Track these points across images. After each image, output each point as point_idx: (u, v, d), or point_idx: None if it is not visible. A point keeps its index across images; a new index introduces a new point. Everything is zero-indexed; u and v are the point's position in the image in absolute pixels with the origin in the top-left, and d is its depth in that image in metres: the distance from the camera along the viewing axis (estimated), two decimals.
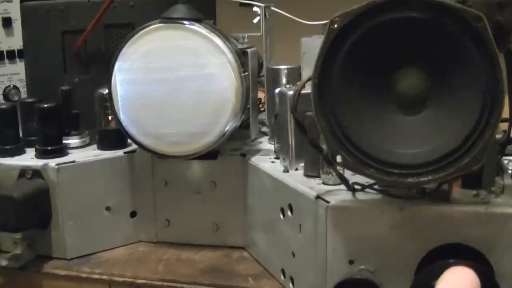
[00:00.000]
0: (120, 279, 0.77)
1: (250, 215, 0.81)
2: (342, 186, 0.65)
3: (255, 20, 0.89)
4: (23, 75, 1.09)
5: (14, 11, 1.16)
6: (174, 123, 0.76)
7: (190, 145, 0.77)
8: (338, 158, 0.57)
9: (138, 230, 0.87)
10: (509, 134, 0.66)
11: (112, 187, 0.84)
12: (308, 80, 0.58)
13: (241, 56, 0.77)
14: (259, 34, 0.90)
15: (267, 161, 0.78)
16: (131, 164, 0.85)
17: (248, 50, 0.82)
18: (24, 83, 1.11)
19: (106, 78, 0.79)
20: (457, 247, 0.58)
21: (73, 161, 0.81)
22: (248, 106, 0.81)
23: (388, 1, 0.53)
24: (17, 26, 1.16)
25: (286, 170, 0.73)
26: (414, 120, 0.57)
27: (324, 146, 0.61)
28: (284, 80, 0.84)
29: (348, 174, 0.63)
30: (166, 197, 0.85)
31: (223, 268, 0.79)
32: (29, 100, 0.88)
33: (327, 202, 0.62)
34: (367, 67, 0.56)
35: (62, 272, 0.79)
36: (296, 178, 0.70)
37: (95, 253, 0.84)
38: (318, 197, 0.63)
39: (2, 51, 1.17)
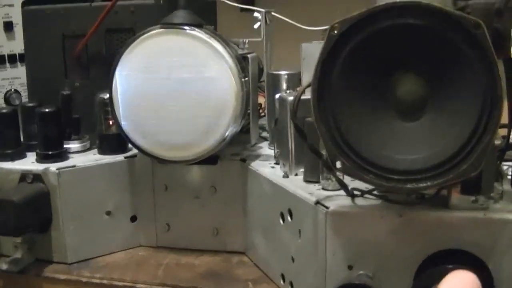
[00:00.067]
0: (120, 283, 0.77)
1: (250, 220, 0.81)
2: (342, 192, 0.65)
3: (256, 26, 0.90)
4: (24, 79, 1.09)
5: (16, 15, 1.16)
6: (174, 128, 0.76)
7: (190, 150, 0.77)
8: (338, 164, 0.58)
9: (138, 234, 0.87)
10: (508, 139, 0.66)
11: (112, 192, 0.84)
12: (308, 86, 0.59)
13: (241, 61, 0.78)
14: (259, 39, 0.90)
15: (267, 166, 0.79)
16: (131, 169, 0.85)
17: (249, 56, 0.82)
18: (25, 87, 1.11)
19: (106, 82, 0.79)
20: (455, 253, 0.58)
21: (74, 166, 0.82)
22: (248, 111, 0.81)
23: (387, 8, 0.54)
24: (18, 30, 1.16)
25: (286, 176, 0.73)
26: (413, 126, 0.57)
27: (323, 152, 0.61)
28: (284, 86, 0.84)
29: (347, 179, 0.63)
30: (166, 201, 0.85)
31: (222, 273, 0.79)
32: (30, 104, 0.88)
33: (327, 207, 0.62)
34: (366, 73, 0.56)
35: (62, 276, 0.79)
36: (296, 184, 0.70)
37: (95, 257, 0.84)
38: (317, 202, 0.63)
39: (4, 55, 1.18)
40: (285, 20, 1.01)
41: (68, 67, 0.96)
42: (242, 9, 1.02)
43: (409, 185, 0.56)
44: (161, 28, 0.76)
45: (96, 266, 0.82)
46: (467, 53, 0.53)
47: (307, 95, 0.59)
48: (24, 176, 0.80)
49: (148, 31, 0.77)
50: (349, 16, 0.55)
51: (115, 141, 0.85)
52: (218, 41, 0.75)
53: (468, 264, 0.56)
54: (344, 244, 0.61)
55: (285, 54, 0.99)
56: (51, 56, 0.96)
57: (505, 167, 0.70)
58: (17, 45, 1.17)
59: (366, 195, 0.64)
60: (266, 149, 0.88)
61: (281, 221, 0.71)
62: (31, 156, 0.85)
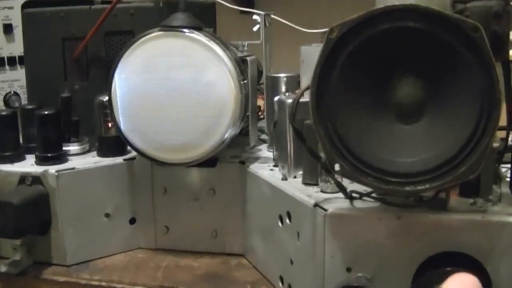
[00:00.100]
0: (119, 285, 0.77)
1: (249, 222, 0.81)
2: (340, 194, 0.65)
3: (255, 28, 0.90)
4: (23, 82, 1.09)
5: (15, 18, 1.16)
6: (173, 131, 0.76)
7: (190, 152, 0.77)
8: (336, 167, 0.58)
9: (137, 236, 0.87)
10: (506, 142, 0.66)
11: (111, 194, 0.84)
12: (307, 88, 0.59)
13: (240, 64, 0.78)
14: (258, 42, 0.90)
15: (265, 168, 0.79)
16: (130, 171, 0.85)
17: (248, 58, 0.82)
18: (25, 90, 1.11)
19: (106, 85, 0.79)
20: (454, 255, 0.59)
21: (73, 168, 0.82)
22: (248, 113, 0.81)
23: (386, 10, 0.54)
24: (18, 32, 1.16)
25: (284, 178, 0.74)
26: (412, 128, 0.57)
27: (322, 155, 0.61)
28: (283, 88, 0.84)
29: (346, 182, 0.63)
30: (165, 204, 0.85)
31: (221, 275, 0.79)
32: (29, 106, 0.88)
33: (325, 210, 0.62)
34: (365, 76, 0.57)
35: (61, 279, 0.79)
36: (295, 186, 0.70)
37: (94, 259, 0.84)
38: (316, 205, 0.63)
39: (3, 57, 1.17)
40: (284, 23, 1.01)
41: (67, 70, 0.96)
42: (242, 12, 1.01)
43: (407, 188, 0.56)
44: (160, 30, 0.77)
45: (95, 268, 0.82)
46: (465, 56, 0.53)
47: (306, 97, 0.59)
48: (23, 178, 0.80)
49: (147, 34, 0.77)
50: (348, 19, 0.55)
51: (114, 144, 0.86)
52: (217, 44, 0.75)
53: (466, 266, 0.56)
54: (343, 246, 0.62)
55: (284, 57, 0.99)
56: (51, 59, 0.96)
57: (503, 170, 0.70)
58: (16, 48, 1.17)
59: (365, 198, 0.64)
60: (265, 151, 0.88)
61: (280, 224, 0.72)
62: (31, 159, 0.85)
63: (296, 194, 0.68)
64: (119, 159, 0.85)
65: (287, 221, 0.69)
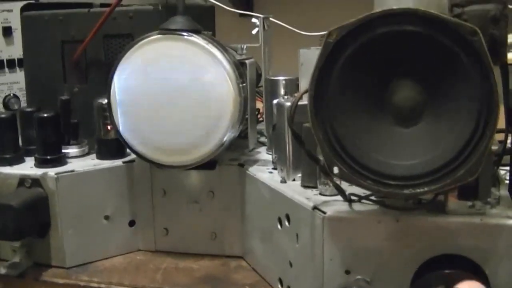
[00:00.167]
0: (118, 287, 0.77)
1: (248, 225, 0.81)
2: (339, 197, 0.65)
3: (254, 31, 0.90)
4: (23, 84, 1.09)
5: (15, 21, 1.17)
6: (172, 133, 0.77)
7: (189, 155, 0.77)
8: (335, 169, 0.58)
9: (137, 238, 0.87)
10: (505, 145, 0.66)
11: (110, 196, 0.85)
12: (306, 91, 0.59)
13: (239, 67, 0.78)
14: (257, 45, 0.90)
15: (264, 171, 0.79)
16: (129, 174, 0.86)
17: (247, 61, 0.82)
18: (24, 92, 1.11)
19: (105, 87, 0.79)
20: (452, 258, 0.59)
21: (72, 170, 0.82)
22: (247, 116, 0.81)
23: (384, 14, 0.54)
24: (17, 35, 1.16)
25: (283, 181, 0.74)
26: (410, 131, 0.57)
27: (321, 157, 0.61)
28: (282, 91, 0.84)
29: (344, 185, 0.63)
30: (165, 206, 0.85)
31: (220, 277, 0.79)
32: (29, 109, 0.89)
33: (324, 212, 0.62)
34: (363, 79, 0.57)
35: (61, 281, 0.80)
36: (294, 189, 0.71)
37: (94, 261, 0.84)
38: (315, 207, 0.64)
39: (2, 60, 1.18)
40: (283, 26, 1.01)
41: (66, 72, 0.96)
42: (241, 15, 1.02)
43: (406, 191, 0.56)
44: (159, 34, 0.77)
45: (94, 271, 0.82)
46: (463, 60, 0.53)
47: (305, 100, 0.59)
48: (22, 180, 0.81)
49: (146, 37, 0.77)
50: (347, 23, 0.55)
51: (113, 146, 0.86)
52: (216, 47, 0.76)
53: (465, 269, 0.57)
54: (342, 249, 0.62)
55: (283, 60, 0.99)
56: (50, 61, 0.96)
57: (502, 172, 0.70)
58: (16, 50, 1.18)
59: (363, 201, 0.64)
60: (264, 154, 0.88)
61: (279, 226, 0.72)
62: (30, 161, 0.85)
63: (295, 197, 0.68)
64: (118, 162, 0.86)
65: (286, 223, 0.70)
